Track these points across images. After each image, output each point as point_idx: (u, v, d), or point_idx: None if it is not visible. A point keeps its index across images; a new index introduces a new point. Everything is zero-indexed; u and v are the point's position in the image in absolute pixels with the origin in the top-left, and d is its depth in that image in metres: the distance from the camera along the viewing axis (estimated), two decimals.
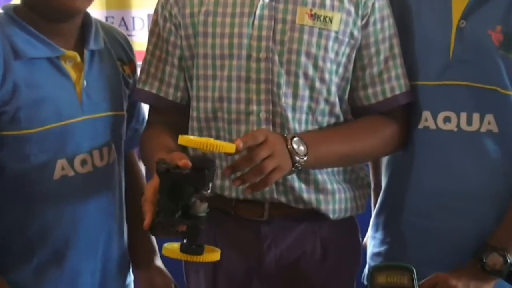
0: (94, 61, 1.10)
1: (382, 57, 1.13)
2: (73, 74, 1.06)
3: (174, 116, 1.15)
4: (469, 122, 1.13)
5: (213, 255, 0.89)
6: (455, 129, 1.13)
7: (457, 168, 1.15)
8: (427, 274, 1.01)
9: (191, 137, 0.92)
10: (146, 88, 1.14)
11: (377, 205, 1.31)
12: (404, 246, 1.23)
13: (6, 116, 0.99)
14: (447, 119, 1.14)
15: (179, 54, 1.13)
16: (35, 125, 1.02)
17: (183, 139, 0.87)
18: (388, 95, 1.11)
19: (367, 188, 1.22)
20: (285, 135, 1.00)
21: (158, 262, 1.22)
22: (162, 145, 1.06)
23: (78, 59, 1.05)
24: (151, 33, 1.17)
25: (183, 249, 0.86)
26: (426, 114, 1.15)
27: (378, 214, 1.30)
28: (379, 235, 1.28)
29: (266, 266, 1.14)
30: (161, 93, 1.13)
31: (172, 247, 0.88)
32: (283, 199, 1.09)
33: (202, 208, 0.87)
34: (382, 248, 1.26)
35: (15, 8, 1.06)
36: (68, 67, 1.05)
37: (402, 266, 0.98)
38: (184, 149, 1.00)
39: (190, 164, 0.85)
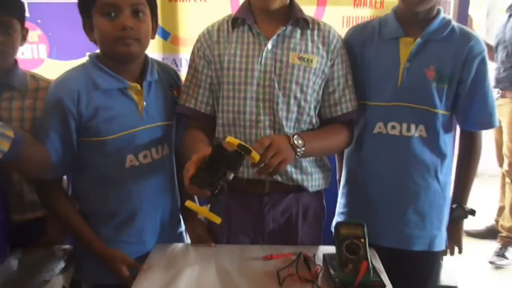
0: (151, 88, 1.34)
1: (341, 87, 1.38)
2: (136, 98, 1.31)
3: (204, 122, 1.39)
4: (408, 130, 1.41)
5: (217, 218, 1.13)
6: (398, 134, 1.42)
7: (398, 159, 1.43)
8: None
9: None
10: (187, 104, 1.38)
11: (342, 182, 1.61)
12: (358, 210, 1.53)
13: (91, 128, 1.26)
14: (393, 127, 1.41)
15: (209, 81, 1.37)
16: (110, 133, 1.28)
17: (232, 140, 1.10)
18: (345, 111, 1.39)
19: (329, 171, 1.49)
20: (289, 135, 1.25)
21: (199, 216, 1.43)
22: (201, 139, 1.32)
23: (139, 87, 1.30)
24: (190, 67, 1.41)
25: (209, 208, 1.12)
26: (380, 124, 1.43)
27: (343, 187, 1.60)
28: (342, 201, 1.59)
29: (267, 224, 1.41)
30: (196, 107, 1.38)
31: (195, 205, 1.12)
32: (279, 178, 1.36)
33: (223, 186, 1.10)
34: (344, 210, 1.58)
35: (97, 55, 1.31)
36: (132, 93, 1.30)
37: (357, 222, 1.18)
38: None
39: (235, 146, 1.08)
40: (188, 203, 1.11)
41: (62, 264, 1.36)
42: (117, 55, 1.27)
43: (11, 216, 1.39)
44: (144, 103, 1.32)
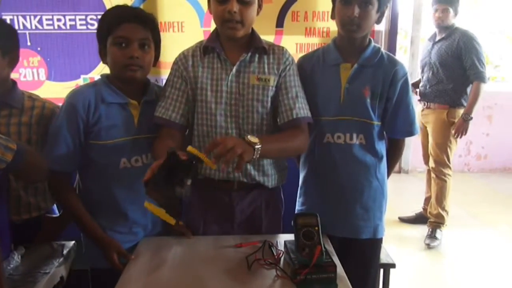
0: (147, 106, 1.36)
1: (294, 95, 1.35)
2: (133, 112, 1.35)
3: (175, 131, 1.36)
4: (351, 138, 1.44)
5: (172, 220, 1.08)
6: (343, 143, 1.45)
7: (343, 162, 1.46)
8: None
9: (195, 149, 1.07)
10: (164, 116, 1.34)
11: (299, 184, 1.60)
12: (313, 207, 1.53)
13: (94, 133, 1.31)
14: (339, 137, 1.45)
15: (186, 97, 1.37)
16: (110, 139, 1.32)
17: (191, 149, 1.06)
18: (299, 115, 1.34)
19: (285, 169, 1.50)
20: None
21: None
22: (168, 146, 1.16)
23: (137, 104, 1.34)
24: (168, 83, 1.39)
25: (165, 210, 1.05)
26: (328, 135, 1.45)
27: (300, 189, 1.60)
28: (301, 200, 1.59)
29: (236, 216, 1.43)
30: (171, 118, 1.34)
31: (153, 207, 1.06)
32: (245, 179, 1.39)
33: (181, 191, 1.00)
34: (302, 207, 1.58)
35: (107, 76, 1.35)
36: (131, 108, 1.34)
37: (311, 213, 1.18)
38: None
39: (186, 157, 1.03)
40: (147, 204, 1.06)
41: (61, 258, 1.33)
42: (124, 78, 1.32)
43: (10, 217, 1.36)
44: (139, 117, 1.36)
